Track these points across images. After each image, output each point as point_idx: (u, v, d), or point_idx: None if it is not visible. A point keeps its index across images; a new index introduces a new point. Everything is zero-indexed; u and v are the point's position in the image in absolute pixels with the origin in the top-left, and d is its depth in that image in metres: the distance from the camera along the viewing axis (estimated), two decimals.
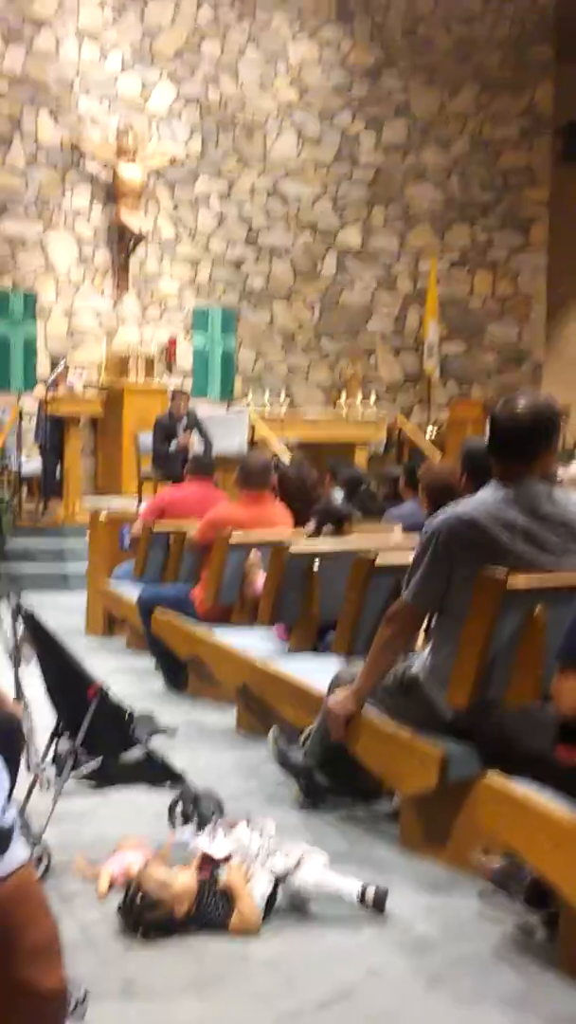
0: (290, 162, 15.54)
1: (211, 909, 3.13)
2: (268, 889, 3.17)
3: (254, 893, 3.15)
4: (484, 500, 3.50)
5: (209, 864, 3.23)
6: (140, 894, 3.10)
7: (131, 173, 13.91)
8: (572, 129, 15.88)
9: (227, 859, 3.24)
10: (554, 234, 15.68)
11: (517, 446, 3.49)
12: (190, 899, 3.12)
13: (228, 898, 3.14)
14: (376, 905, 3.21)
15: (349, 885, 3.23)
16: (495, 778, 3.05)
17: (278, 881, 3.19)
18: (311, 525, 5.68)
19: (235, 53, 15.12)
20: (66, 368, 11.86)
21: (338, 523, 5.64)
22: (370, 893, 3.21)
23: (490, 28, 15.61)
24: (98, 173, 14.03)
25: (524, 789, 2.98)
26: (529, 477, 3.49)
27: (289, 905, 3.22)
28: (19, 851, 1.09)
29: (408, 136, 15.76)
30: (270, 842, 3.32)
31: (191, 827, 3.64)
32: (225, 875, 3.18)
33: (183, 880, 3.15)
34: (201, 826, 3.61)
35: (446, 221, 15.85)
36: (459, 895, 3.34)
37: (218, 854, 3.25)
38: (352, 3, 15.52)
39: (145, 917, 3.09)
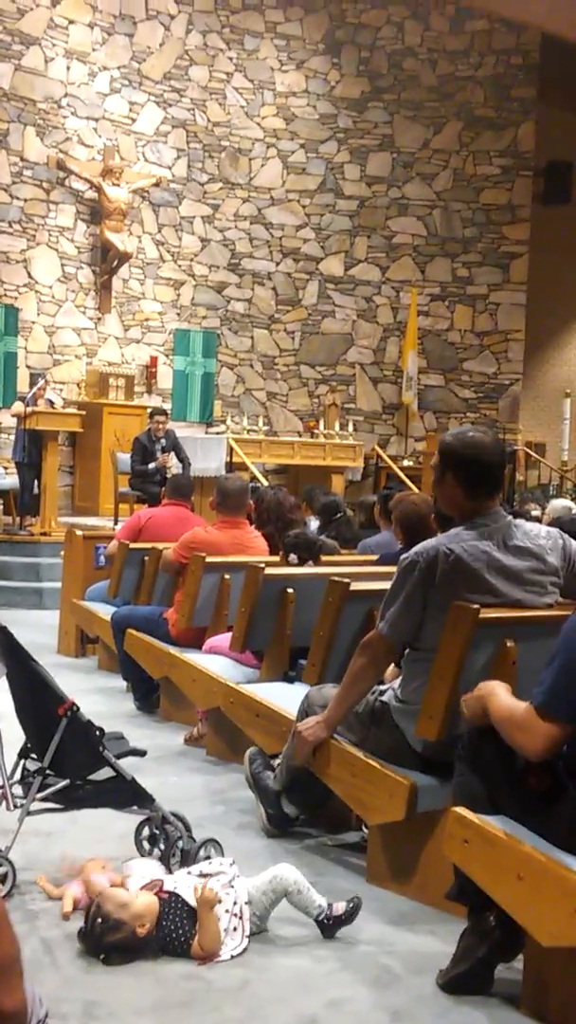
0: (275, 189, 15.66)
1: (174, 930, 3.12)
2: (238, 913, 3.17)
3: (219, 914, 3.15)
4: (460, 534, 3.53)
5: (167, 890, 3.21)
6: (100, 917, 3.08)
7: (116, 193, 13.97)
8: (552, 170, 16.11)
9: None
10: (533, 272, 15.82)
11: (490, 477, 3.55)
12: (151, 919, 3.10)
13: (192, 919, 3.13)
14: (348, 917, 3.25)
15: (319, 897, 3.27)
16: (462, 811, 3.06)
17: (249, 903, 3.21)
18: (293, 557, 5.55)
19: (222, 80, 15.26)
20: (45, 383, 11.84)
21: (311, 554, 5.57)
22: (340, 906, 3.25)
23: (475, 66, 15.81)
24: (83, 192, 14.08)
25: (491, 822, 2.99)
26: (496, 509, 3.54)
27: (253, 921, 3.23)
28: None
29: (392, 169, 15.91)
30: (231, 868, 3.32)
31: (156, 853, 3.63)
32: (189, 896, 3.17)
33: (143, 900, 3.13)
34: (167, 849, 3.60)
35: (427, 255, 15.98)
36: (424, 929, 3.34)
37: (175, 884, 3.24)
38: (340, 35, 15.71)
39: (106, 939, 3.06)
